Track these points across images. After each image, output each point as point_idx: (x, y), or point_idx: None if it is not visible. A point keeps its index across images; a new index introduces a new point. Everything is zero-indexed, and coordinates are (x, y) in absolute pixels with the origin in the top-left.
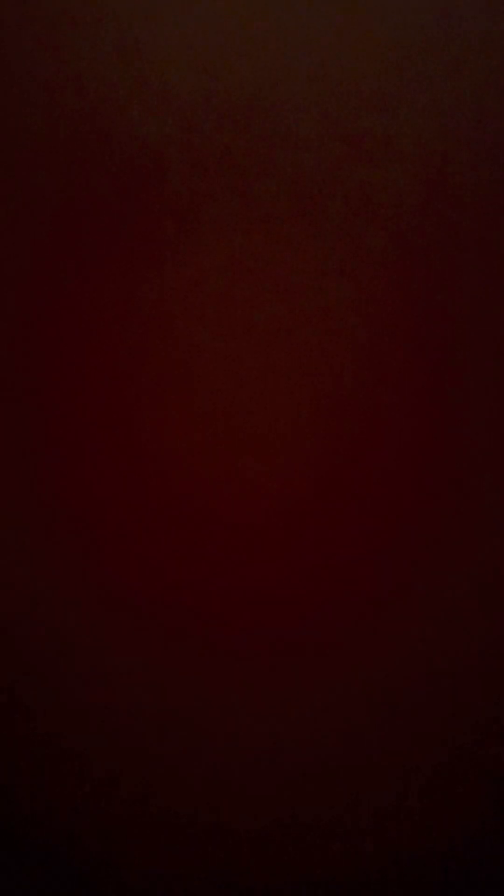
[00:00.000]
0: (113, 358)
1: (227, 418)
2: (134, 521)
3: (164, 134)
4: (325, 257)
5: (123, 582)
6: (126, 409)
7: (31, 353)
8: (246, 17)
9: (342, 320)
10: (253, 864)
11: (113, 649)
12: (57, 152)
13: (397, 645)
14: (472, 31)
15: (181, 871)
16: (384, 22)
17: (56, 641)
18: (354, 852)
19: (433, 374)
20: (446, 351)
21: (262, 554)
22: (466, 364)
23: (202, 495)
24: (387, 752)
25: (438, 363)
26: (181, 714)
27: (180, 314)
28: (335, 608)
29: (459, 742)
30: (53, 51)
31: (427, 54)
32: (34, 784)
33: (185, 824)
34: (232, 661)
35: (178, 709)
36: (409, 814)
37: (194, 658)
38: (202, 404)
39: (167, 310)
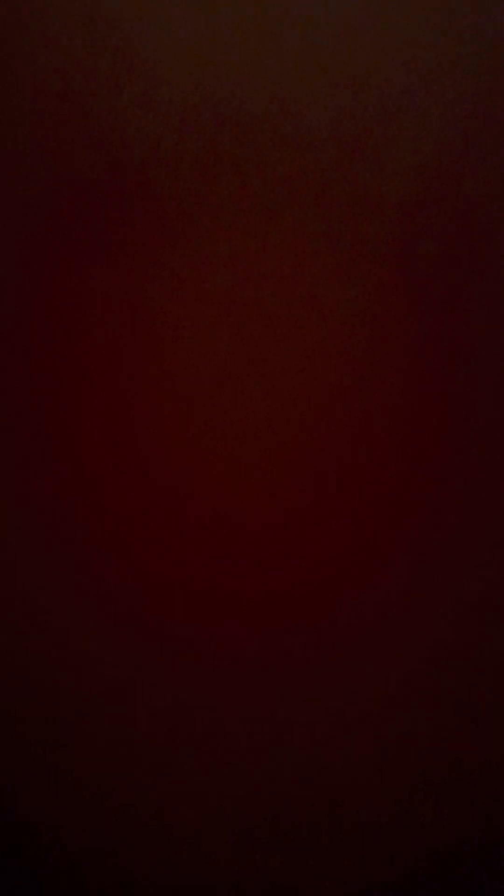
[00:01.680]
0: (112, 358)
1: (228, 418)
2: (134, 524)
3: (164, 134)
4: (327, 258)
5: (124, 585)
6: (125, 407)
7: (30, 353)
8: (247, 17)
9: (345, 320)
10: (254, 870)
11: (113, 654)
12: (56, 153)
13: (402, 652)
14: (474, 31)
15: (181, 881)
16: (386, 21)
17: (56, 647)
18: (358, 859)
19: (437, 376)
20: (450, 352)
21: (265, 559)
22: (471, 364)
23: (202, 497)
24: (391, 760)
25: (442, 364)
26: (182, 720)
27: (180, 315)
28: (338, 615)
29: (463, 749)
30: (52, 51)
31: (428, 54)
32: (30, 793)
33: (184, 832)
34: (234, 668)
35: (178, 715)
36: (415, 819)
37: (196, 665)
38: (202, 404)
39: (167, 311)
